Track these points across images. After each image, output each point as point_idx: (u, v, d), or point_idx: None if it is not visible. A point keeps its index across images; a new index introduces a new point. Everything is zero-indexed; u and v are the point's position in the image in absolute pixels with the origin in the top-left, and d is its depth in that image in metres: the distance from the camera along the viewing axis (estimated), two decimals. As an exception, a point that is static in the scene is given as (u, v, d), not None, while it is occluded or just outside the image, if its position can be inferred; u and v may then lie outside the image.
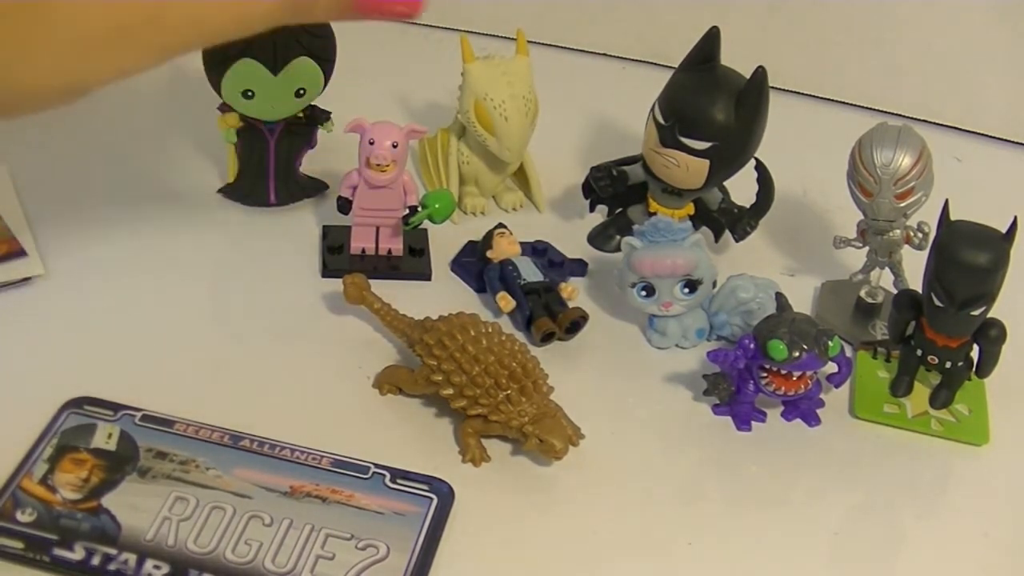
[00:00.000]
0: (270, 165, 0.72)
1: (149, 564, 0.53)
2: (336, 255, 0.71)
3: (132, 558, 0.53)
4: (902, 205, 0.67)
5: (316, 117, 0.72)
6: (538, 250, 0.73)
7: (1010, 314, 0.63)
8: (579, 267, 0.73)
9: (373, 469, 0.58)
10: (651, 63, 0.92)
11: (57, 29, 0.39)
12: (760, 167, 0.73)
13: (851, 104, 0.92)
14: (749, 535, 0.59)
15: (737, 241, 0.74)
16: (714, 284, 0.68)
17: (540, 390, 0.60)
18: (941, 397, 0.65)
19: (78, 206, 0.73)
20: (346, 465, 0.58)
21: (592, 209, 0.77)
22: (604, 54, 0.95)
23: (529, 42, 0.74)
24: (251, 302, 0.69)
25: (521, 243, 0.72)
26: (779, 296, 0.66)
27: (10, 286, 0.67)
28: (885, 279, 0.71)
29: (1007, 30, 0.88)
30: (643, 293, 0.67)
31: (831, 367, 0.63)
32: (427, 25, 0.94)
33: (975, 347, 0.64)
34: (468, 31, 0.78)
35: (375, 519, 0.56)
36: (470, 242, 0.74)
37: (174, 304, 0.68)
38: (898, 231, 0.69)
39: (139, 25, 0.41)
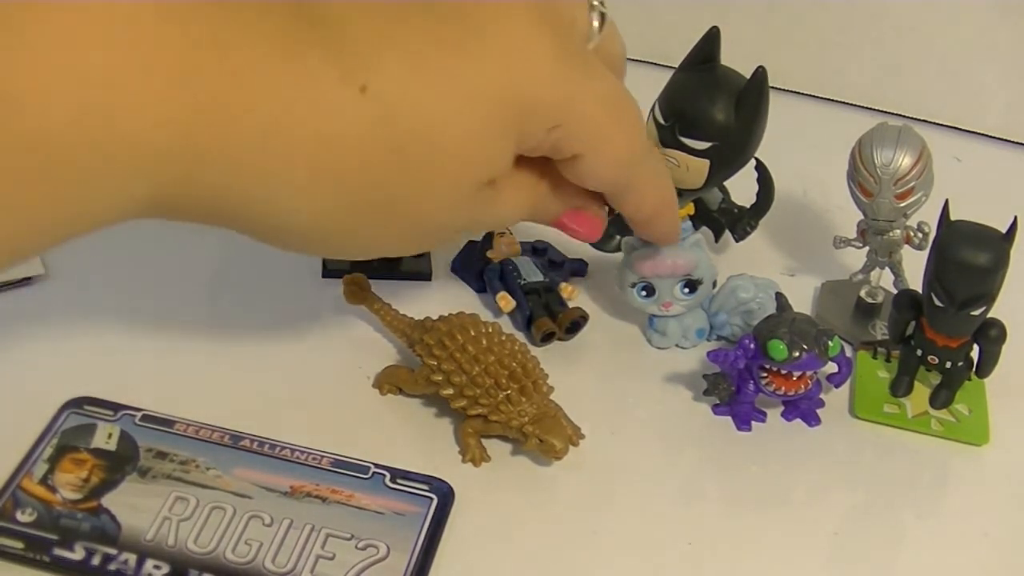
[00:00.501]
0: (270, 165, 0.72)
1: (149, 564, 0.53)
2: (336, 255, 0.71)
3: (132, 558, 0.53)
4: (902, 205, 0.67)
5: (316, 117, 0.72)
6: (538, 250, 0.73)
7: (1010, 314, 0.63)
8: (579, 267, 0.73)
9: (373, 469, 0.58)
10: (651, 63, 0.92)
11: (421, 225, 0.48)
12: (760, 167, 0.73)
13: (851, 104, 0.92)
14: (749, 535, 0.59)
15: (737, 241, 0.74)
16: (714, 284, 0.68)
17: (540, 390, 0.60)
18: (941, 397, 0.66)
19: (78, 206, 0.73)
20: (346, 465, 0.58)
21: (592, 209, 0.77)
22: (604, 54, 0.95)
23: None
24: (251, 302, 0.69)
25: (521, 243, 0.72)
26: (779, 296, 0.66)
27: (10, 286, 0.67)
28: (885, 279, 0.72)
29: (1007, 30, 0.88)
30: (643, 293, 0.67)
31: (831, 367, 0.63)
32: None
33: (975, 347, 0.64)
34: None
35: (375, 519, 0.56)
36: (470, 242, 0.74)
37: (174, 304, 0.68)
38: (898, 231, 0.69)
39: (467, 230, 0.54)
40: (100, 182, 0.40)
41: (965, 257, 0.60)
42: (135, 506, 0.55)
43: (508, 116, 0.46)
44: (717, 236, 0.75)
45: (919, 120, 0.86)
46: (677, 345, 0.69)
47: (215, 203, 0.44)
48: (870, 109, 0.91)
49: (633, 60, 0.94)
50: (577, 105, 0.48)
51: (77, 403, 0.60)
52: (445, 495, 0.57)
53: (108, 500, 0.55)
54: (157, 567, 0.53)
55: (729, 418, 0.64)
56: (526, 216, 0.54)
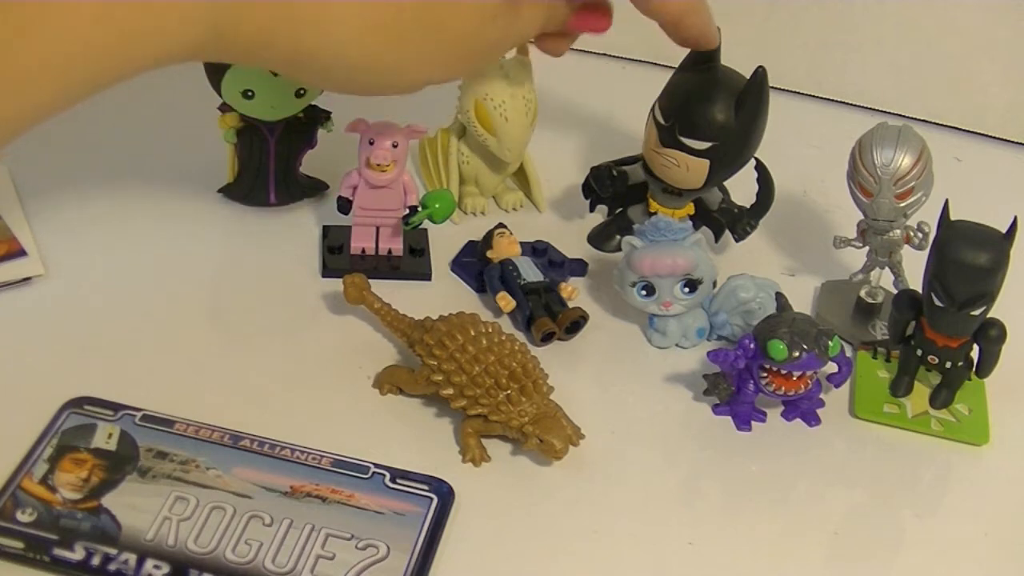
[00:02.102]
0: (270, 165, 0.72)
1: (149, 564, 0.53)
2: (336, 255, 0.71)
3: (132, 558, 0.53)
4: (902, 205, 0.67)
5: (316, 117, 0.72)
6: (538, 250, 0.73)
7: (1010, 314, 0.63)
8: (579, 267, 0.73)
9: (373, 469, 0.58)
10: (651, 63, 0.92)
11: (455, 44, 0.52)
12: (760, 167, 0.73)
13: (851, 104, 0.92)
14: (749, 535, 0.59)
15: (737, 241, 0.74)
16: (714, 284, 0.68)
17: (540, 390, 0.60)
18: (941, 397, 0.66)
19: (78, 206, 0.73)
20: (346, 465, 0.58)
21: (592, 209, 0.77)
22: (604, 54, 0.95)
23: (530, 42, 0.74)
24: (251, 302, 0.69)
25: (521, 243, 0.72)
26: (779, 296, 0.66)
27: (10, 286, 0.67)
28: (885, 279, 0.72)
29: (1007, 30, 0.88)
30: (643, 292, 0.67)
31: (831, 367, 0.63)
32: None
33: (975, 347, 0.64)
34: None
35: (375, 519, 0.56)
36: (470, 242, 0.74)
37: (174, 304, 0.68)
38: (898, 231, 0.69)
39: (497, 48, 0.56)
40: (165, 27, 0.47)
41: (965, 257, 0.60)
42: (135, 506, 0.55)
43: None
44: (717, 236, 0.75)
45: (919, 120, 0.86)
46: (677, 345, 0.69)
47: (261, 48, 0.49)
48: (870, 109, 0.91)
49: (633, 60, 0.95)
50: None
51: (77, 403, 0.60)
52: (445, 495, 0.57)
53: (108, 500, 0.55)
54: (157, 567, 0.53)
55: (729, 418, 0.64)
56: (541, 23, 0.57)
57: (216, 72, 0.68)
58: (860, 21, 0.91)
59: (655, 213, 0.72)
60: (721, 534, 0.59)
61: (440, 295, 0.70)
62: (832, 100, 0.93)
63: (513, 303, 0.68)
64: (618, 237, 0.71)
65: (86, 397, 0.60)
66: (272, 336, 0.67)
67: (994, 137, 0.91)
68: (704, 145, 0.68)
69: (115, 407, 0.60)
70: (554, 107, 0.76)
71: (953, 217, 0.62)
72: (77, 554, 0.53)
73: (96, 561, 0.53)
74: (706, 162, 0.69)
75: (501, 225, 0.72)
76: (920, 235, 0.68)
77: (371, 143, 0.67)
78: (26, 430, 0.58)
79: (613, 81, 0.93)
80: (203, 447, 0.58)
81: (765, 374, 0.62)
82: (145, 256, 0.70)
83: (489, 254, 0.71)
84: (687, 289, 0.67)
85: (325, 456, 0.59)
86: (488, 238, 0.71)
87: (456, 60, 0.53)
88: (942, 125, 0.90)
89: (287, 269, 0.71)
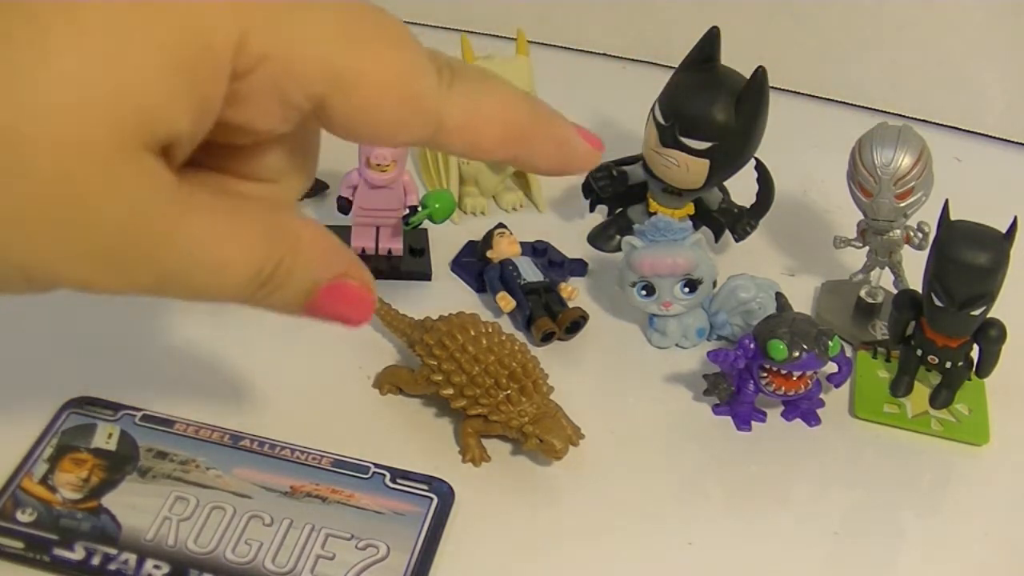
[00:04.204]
0: (270, 165, 0.72)
1: (149, 564, 0.53)
2: (336, 255, 0.71)
3: (132, 558, 0.53)
4: (902, 205, 0.67)
5: (316, 117, 0.72)
6: (538, 250, 0.73)
7: (1010, 314, 0.63)
8: (579, 267, 0.73)
9: (373, 469, 0.58)
10: (651, 63, 0.92)
11: (78, 242, 0.34)
12: (760, 167, 0.73)
13: (851, 104, 0.93)
14: (749, 535, 0.59)
15: (737, 241, 0.74)
16: (714, 284, 0.68)
17: (540, 390, 0.60)
18: (941, 397, 0.66)
19: (78, 206, 0.73)
20: (346, 465, 0.58)
21: (592, 209, 0.77)
22: (604, 54, 0.95)
23: (529, 42, 0.75)
24: (251, 302, 0.69)
25: (521, 243, 0.72)
26: (779, 296, 0.66)
27: (10, 286, 0.67)
28: (885, 279, 0.72)
29: (1007, 30, 0.88)
30: (643, 292, 0.67)
31: (831, 367, 0.63)
32: (427, 25, 0.94)
33: (975, 347, 0.64)
34: (468, 31, 0.78)
35: (375, 519, 0.56)
36: (470, 242, 0.74)
37: (174, 303, 0.68)
38: (898, 231, 0.69)
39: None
40: None
41: (965, 257, 0.60)
42: (135, 506, 0.55)
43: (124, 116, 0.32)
44: (717, 236, 0.75)
45: (919, 120, 0.86)
46: (677, 345, 0.69)
47: None
48: (870, 109, 0.91)
49: (633, 60, 0.95)
50: (268, 36, 0.32)
51: (77, 403, 0.60)
52: (445, 495, 0.57)
53: (108, 500, 0.55)
54: (157, 567, 0.53)
55: (729, 418, 0.64)
56: (250, 279, 0.36)
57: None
58: (860, 21, 0.91)
59: (655, 213, 0.72)
60: (721, 534, 0.59)
61: (440, 295, 0.70)
62: (832, 100, 0.93)
63: (513, 303, 0.68)
64: (618, 237, 0.71)
65: (86, 397, 0.60)
66: (272, 336, 0.67)
67: (994, 137, 0.91)
68: (704, 145, 0.69)
69: (115, 407, 0.60)
70: (554, 107, 0.76)
71: (953, 217, 0.62)
72: (77, 554, 0.53)
73: (96, 561, 0.53)
74: (706, 162, 0.69)
75: (501, 225, 0.72)
76: (920, 235, 0.68)
77: (371, 143, 0.67)
78: (26, 430, 0.58)
79: (613, 81, 0.93)
80: (203, 447, 0.58)
81: (765, 374, 0.62)
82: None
83: (489, 254, 0.71)
84: (687, 289, 0.67)
85: (325, 456, 0.59)
86: (488, 238, 0.72)
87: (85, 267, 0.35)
88: (942, 125, 0.90)
89: (287, 269, 0.71)
